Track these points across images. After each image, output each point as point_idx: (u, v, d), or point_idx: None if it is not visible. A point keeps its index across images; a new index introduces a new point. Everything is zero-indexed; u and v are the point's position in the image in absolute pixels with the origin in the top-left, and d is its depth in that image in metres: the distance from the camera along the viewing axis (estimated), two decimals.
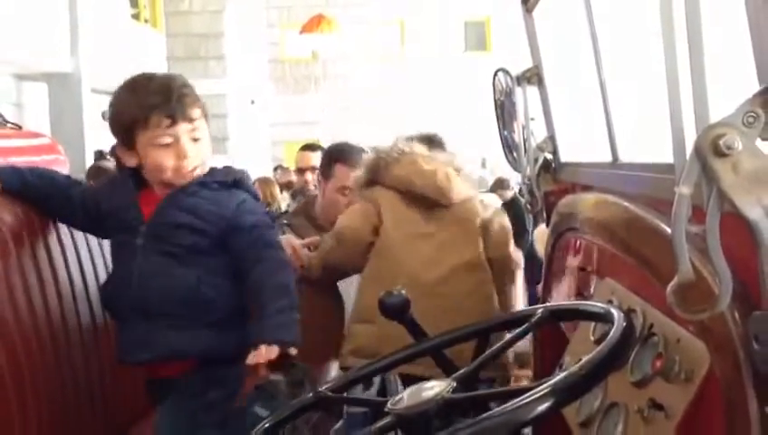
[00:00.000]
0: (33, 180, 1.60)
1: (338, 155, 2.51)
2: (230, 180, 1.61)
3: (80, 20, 10.37)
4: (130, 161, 1.59)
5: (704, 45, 0.78)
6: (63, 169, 2.07)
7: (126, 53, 12.59)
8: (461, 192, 2.14)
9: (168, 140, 1.54)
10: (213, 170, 1.62)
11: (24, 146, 1.95)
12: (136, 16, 13.43)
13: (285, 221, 2.57)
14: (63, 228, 1.70)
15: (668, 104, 0.84)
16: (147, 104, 1.52)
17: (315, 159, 3.79)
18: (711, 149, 0.74)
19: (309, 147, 4.37)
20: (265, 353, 1.42)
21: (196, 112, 1.56)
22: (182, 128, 1.54)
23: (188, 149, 1.54)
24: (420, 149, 2.17)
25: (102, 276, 1.76)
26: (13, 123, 1.97)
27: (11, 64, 9.08)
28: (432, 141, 2.29)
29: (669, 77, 0.82)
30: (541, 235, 2.25)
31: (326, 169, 2.52)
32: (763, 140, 0.76)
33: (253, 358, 1.42)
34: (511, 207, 6.90)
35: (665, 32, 0.83)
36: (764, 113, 0.75)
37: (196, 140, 1.56)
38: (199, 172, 1.58)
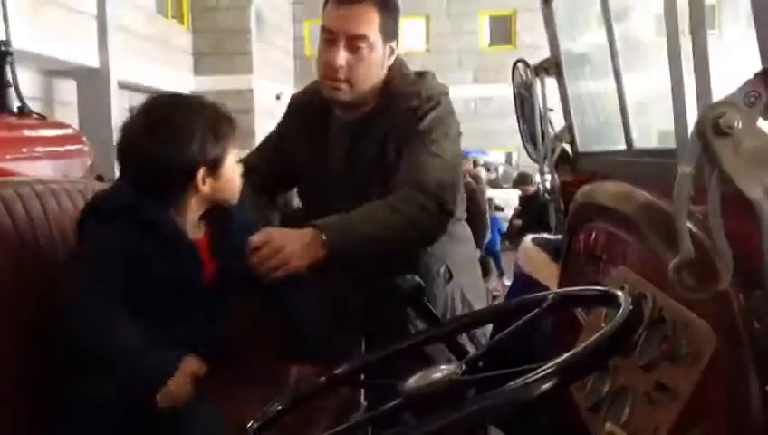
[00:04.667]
0: None
1: None
2: None
3: (108, 16, 10.50)
4: (205, 189, 1.54)
5: (706, 26, 0.79)
6: (87, 159, 2.12)
7: (152, 49, 12.73)
8: None
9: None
10: None
11: (49, 136, 1.99)
12: (162, 12, 13.56)
13: None
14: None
15: (671, 85, 0.84)
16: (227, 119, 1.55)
17: None
18: (712, 128, 0.75)
19: None
20: None
21: None
22: None
23: None
24: None
25: None
26: (38, 114, 2.02)
27: (39, 60, 9.23)
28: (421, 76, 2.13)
29: (671, 58, 0.83)
30: (527, 251, 2.20)
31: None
32: (765, 119, 0.76)
33: None
34: (532, 202, 6.90)
35: (667, 13, 0.84)
36: (766, 93, 0.75)
37: None
38: None
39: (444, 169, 1.75)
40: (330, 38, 1.74)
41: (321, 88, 1.80)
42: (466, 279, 1.99)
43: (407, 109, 1.77)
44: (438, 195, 1.72)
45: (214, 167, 1.48)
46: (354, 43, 1.72)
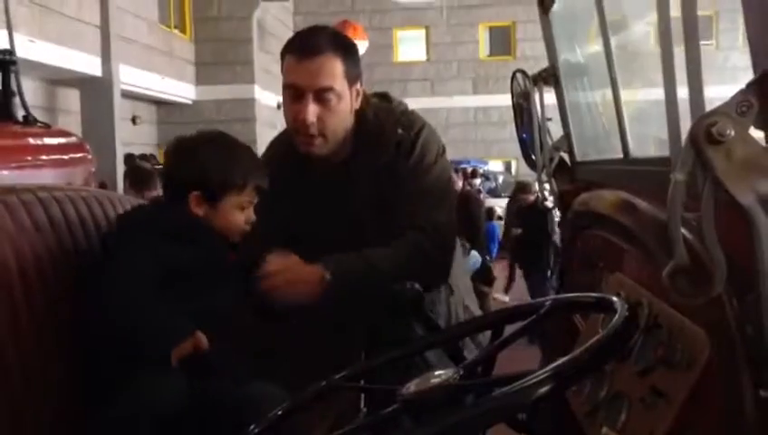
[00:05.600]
0: None
1: (288, 43, 1.83)
2: None
3: (111, 26, 10.56)
4: (198, 210, 1.61)
5: (699, 36, 0.80)
6: (91, 167, 2.14)
7: (155, 59, 12.79)
8: None
9: (248, 204, 1.63)
10: None
11: (53, 144, 2.00)
12: (165, 22, 13.63)
13: None
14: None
15: (664, 94, 0.86)
16: (248, 172, 1.62)
17: None
18: (705, 136, 0.76)
19: None
20: None
21: None
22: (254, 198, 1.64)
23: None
24: None
25: None
26: (42, 122, 2.04)
27: (43, 70, 9.28)
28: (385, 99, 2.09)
29: (665, 68, 0.84)
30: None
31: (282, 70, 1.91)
32: (757, 128, 0.78)
33: None
34: (532, 211, 6.91)
35: (661, 22, 0.85)
36: (758, 102, 0.77)
37: None
38: None
39: (440, 206, 1.80)
40: (296, 94, 1.70)
41: (295, 143, 1.77)
42: (463, 287, 2.02)
43: (396, 143, 1.78)
44: (440, 240, 1.78)
45: (212, 197, 1.59)
46: (322, 95, 1.69)
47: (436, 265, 1.81)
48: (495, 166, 16.91)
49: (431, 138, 1.83)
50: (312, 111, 1.68)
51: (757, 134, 0.79)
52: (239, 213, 1.62)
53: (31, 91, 9.27)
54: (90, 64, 10.28)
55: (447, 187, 1.88)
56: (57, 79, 10.12)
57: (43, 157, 1.75)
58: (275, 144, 1.97)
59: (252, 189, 1.62)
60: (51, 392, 1.48)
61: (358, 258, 1.71)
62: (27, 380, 1.43)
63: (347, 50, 1.74)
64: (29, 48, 8.45)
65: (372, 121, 1.80)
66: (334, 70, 1.69)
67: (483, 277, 6.30)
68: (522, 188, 7.63)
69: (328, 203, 1.83)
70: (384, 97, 1.87)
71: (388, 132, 1.79)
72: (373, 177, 1.79)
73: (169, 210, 1.63)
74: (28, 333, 1.46)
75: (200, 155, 1.61)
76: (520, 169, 14.53)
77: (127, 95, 11.54)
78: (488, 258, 7.07)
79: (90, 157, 2.11)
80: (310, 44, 1.70)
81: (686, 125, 0.84)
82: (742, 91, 0.78)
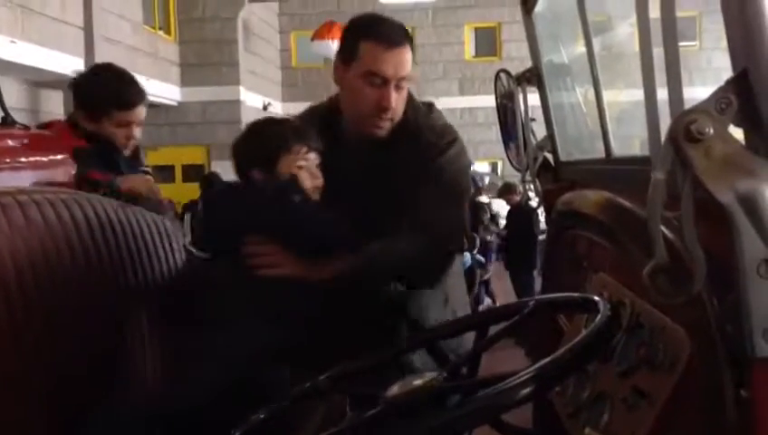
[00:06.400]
0: None
1: (366, 29, 1.85)
2: None
3: (94, 27, 10.47)
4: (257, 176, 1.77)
5: (677, 35, 0.80)
6: (71, 169, 2.12)
7: (139, 60, 12.69)
8: None
9: (302, 163, 1.76)
10: None
11: (32, 145, 1.98)
12: (149, 23, 13.54)
13: None
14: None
15: (644, 94, 0.86)
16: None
17: None
18: (684, 134, 0.76)
19: None
20: None
21: None
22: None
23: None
24: None
25: None
26: (21, 124, 2.01)
27: (26, 72, 9.19)
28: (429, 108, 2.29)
29: (644, 67, 0.84)
30: None
31: (347, 50, 1.87)
32: (736, 126, 0.77)
33: None
34: (518, 211, 6.92)
35: (640, 22, 0.85)
36: (737, 100, 0.77)
37: None
38: None
39: (455, 214, 1.90)
40: (378, 81, 1.80)
41: (361, 124, 1.86)
42: (458, 298, 2.06)
43: (428, 143, 1.87)
44: (447, 242, 1.89)
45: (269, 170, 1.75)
46: (401, 83, 1.81)
47: (432, 265, 1.88)
48: (482, 167, 16.94)
49: (462, 154, 1.95)
50: (395, 97, 1.81)
51: (736, 131, 0.79)
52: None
53: (14, 92, 9.19)
54: (73, 66, 10.19)
55: (463, 198, 1.97)
56: (40, 80, 10.03)
57: (22, 159, 1.73)
58: (307, 119, 2.03)
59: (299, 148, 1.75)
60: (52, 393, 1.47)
61: (366, 249, 1.77)
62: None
63: (411, 39, 1.89)
64: (11, 49, 8.38)
65: (412, 122, 1.90)
66: (410, 59, 1.84)
67: (467, 280, 6.27)
68: (507, 188, 7.64)
69: (350, 170, 1.88)
70: (429, 106, 1.99)
71: (423, 130, 1.89)
72: (399, 164, 1.86)
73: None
74: (11, 336, 1.44)
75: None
76: (506, 169, 14.56)
77: None
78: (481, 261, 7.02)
79: (70, 159, 2.09)
80: (395, 35, 1.81)
81: (665, 124, 0.84)
82: (721, 89, 0.78)
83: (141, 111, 2.23)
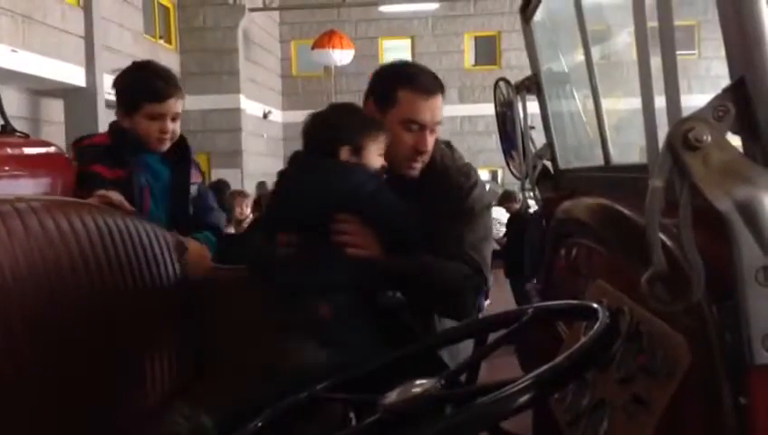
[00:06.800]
0: None
1: (405, 79, 1.95)
2: None
3: (95, 36, 10.50)
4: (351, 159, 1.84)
5: (675, 42, 0.80)
6: (71, 178, 2.12)
7: None
8: None
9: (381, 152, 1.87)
10: None
11: (31, 154, 1.98)
12: (150, 32, 13.58)
13: None
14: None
15: (641, 101, 0.86)
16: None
17: None
18: (682, 142, 0.76)
19: None
20: None
21: None
22: None
23: None
24: None
25: None
26: (21, 132, 2.01)
27: (27, 80, 9.21)
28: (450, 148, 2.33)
29: (642, 75, 0.84)
30: None
31: (384, 97, 1.95)
32: (733, 133, 0.78)
33: None
34: (518, 219, 6.92)
35: (637, 28, 0.85)
36: (734, 107, 0.77)
37: None
38: None
39: (487, 250, 2.00)
40: (417, 127, 1.91)
41: (397, 165, 1.92)
42: None
43: (454, 185, 1.97)
44: (484, 276, 1.96)
45: (356, 151, 1.82)
46: (435, 128, 1.94)
47: (470, 296, 1.94)
48: (482, 175, 16.94)
49: (484, 192, 2.06)
50: (430, 141, 1.94)
51: (733, 138, 0.79)
52: (379, 159, 1.84)
53: (15, 101, 9.21)
54: (74, 74, 10.21)
55: (491, 235, 2.08)
56: (41, 89, 10.05)
57: (21, 167, 1.73)
58: None
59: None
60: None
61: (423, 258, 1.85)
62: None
63: (443, 89, 2.01)
64: (12, 58, 8.40)
65: (439, 164, 2.00)
66: (442, 106, 1.96)
67: None
68: (507, 196, 7.63)
69: None
70: (449, 145, 2.08)
71: (453, 177, 1.99)
72: (428, 207, 1.91)
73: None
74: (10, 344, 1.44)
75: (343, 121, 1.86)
76: (506, 177, 14.57)
77: (111, 105, 11.44)
78: None
79: (69, 167, 2.09)
80: (431, 85, 1.94)
81: (663, 132, 0.84)
82: (718, 97, 0.78)
83: (174, 104, 2.15)
